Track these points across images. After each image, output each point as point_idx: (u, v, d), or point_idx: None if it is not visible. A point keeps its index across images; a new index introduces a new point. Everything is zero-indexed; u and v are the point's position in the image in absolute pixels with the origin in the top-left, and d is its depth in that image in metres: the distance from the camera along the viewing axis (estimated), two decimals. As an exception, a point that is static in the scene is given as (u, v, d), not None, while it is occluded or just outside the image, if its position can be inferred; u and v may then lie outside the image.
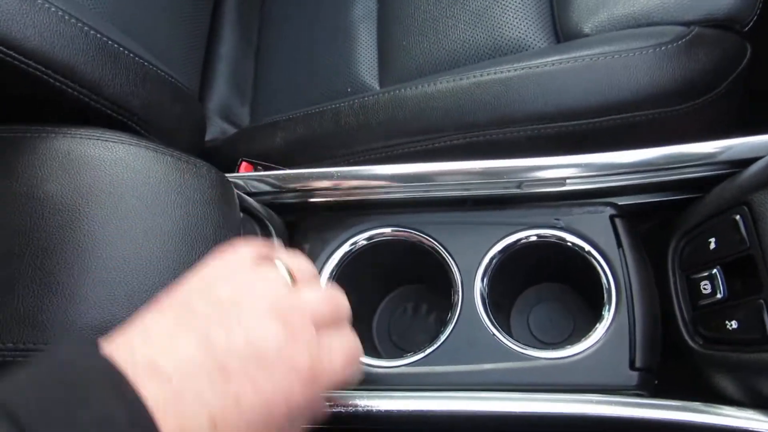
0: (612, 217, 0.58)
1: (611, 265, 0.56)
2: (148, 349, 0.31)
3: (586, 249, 0.58)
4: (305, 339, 0.35)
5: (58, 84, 0.51)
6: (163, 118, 0.59)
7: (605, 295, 0.56)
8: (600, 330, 0.54)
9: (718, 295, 0.51)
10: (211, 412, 0.30)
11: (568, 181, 0.58)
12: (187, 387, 0.30)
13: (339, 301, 0.41)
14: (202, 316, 0.34)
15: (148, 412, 0.28)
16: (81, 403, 0.27)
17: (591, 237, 0.57)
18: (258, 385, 0.32)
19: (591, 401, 0.49)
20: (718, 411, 0.47)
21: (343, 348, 0.38)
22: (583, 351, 0.54)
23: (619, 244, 0.57)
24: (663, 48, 0.59)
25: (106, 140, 0.51)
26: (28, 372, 0.29)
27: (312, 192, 0.63)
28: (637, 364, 0.53)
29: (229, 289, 0.36)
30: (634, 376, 0.53)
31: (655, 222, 0.67)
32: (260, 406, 0.32)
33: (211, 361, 0.32)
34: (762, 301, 0.47)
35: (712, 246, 0.52)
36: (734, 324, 0.49)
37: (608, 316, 0.55)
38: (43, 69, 0.50)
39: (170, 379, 0.30)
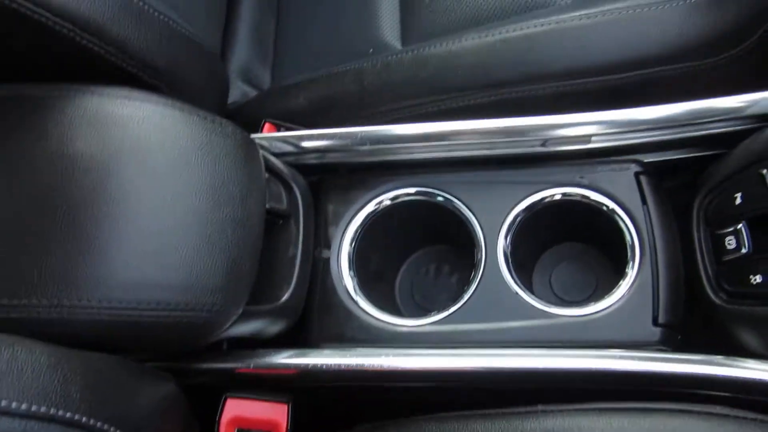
0: (637, 174, 0.58)
1: (635, 222, 0.56)
2: None
3: (611, 206, 0.58)
4: None
5: (84, 42, 0.51)
6: (188, 78, 0.59)
7: (629, 252, 0.56)
8: (623, 287, 0.55)
9: (744, 250, 0.51)
10: None
11: (593, 138, 0.57)
12: None
13: None
14: None
15: None
16: None
17: (615, 194, 0.57)
18: None
19: (614, 356, 0.50)
20: (742, 364, 0.48)
21: None
22: (606, 308, 0.54)
23: (644, 201, 0.57)
24: (693, 0, 0.58)
25: (134, 99, 0.51)
26: None
27: (335, 152, 0.63)
28: (660, 320, 0.53)
29: None
30: (657, 332, 0.53)
31: (681, 178, 0.66)
32: None
33: None
34: (788, 255, 0.47)
35: (738, 201, 0.52)
36: (759, 278, 0.49)
37: (632, 273, 0.55)
38: (70, 26, 0.50)
39: None
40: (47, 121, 0.49)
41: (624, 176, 0.58)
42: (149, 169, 0.48)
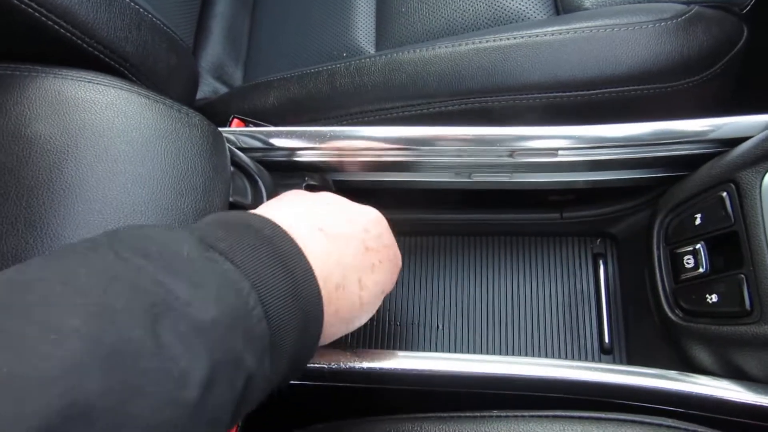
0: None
1: None
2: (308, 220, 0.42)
3: None
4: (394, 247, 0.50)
5: (50, 23, 0.50)
6: (156, 67, 0.58)
7: None
8: None
9: (701, 269, 0.52)
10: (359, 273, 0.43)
11: (560, 152, 0.58)
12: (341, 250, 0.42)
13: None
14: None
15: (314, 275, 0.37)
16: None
17: None
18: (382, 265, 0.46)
19: (570, 366, 0.50)
20: (694, 380, 0.48)
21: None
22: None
23: None
24: (662, 24, 0.59)
25: (98, 83, 0.50)
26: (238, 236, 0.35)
27: (303, 151, 0.62)
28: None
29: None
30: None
31: (644, 197, 0.68)
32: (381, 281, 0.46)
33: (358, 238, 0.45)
34: (743, 275, 0.48)
35: (698, 221, 0.53)
36: (714, 297, 0.50)
37: None
38: (36, 6, 0.49)
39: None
40: (6, 99, 0.47)
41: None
42: (110, 154, 0.47)
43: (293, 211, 0.43)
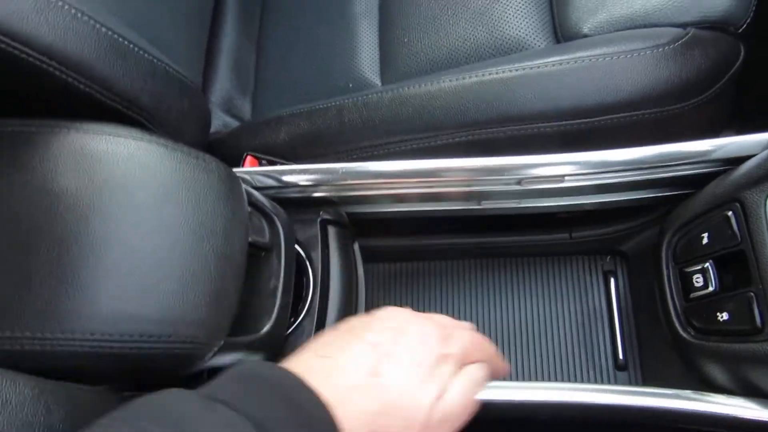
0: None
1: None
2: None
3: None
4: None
5: (70, 80, 0.52)
6: (170, 113, 0.60)
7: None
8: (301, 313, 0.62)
9: (710, 288, 0.53)
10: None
11: (566, 178, 0.59)
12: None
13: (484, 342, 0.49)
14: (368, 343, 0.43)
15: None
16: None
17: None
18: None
19: (585, 389, 0.51)
20: (709, 399, 0.49)
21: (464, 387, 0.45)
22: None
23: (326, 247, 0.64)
24: (660, 49, 0.61)
25: (118, 136, 0.52)
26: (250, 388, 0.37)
27: (316, 187, 0.64)
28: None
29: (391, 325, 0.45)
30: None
31: (651, 216, 0.69)
32: None
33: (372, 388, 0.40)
34: (752, 293, 0.49)
35: (705, 241, 0.54)
36: (725, 315, 0.51)
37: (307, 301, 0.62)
38: (57, 65, 0.50)
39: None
40: (32, 156, 0.49)
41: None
42: (133, 205, 0.49)
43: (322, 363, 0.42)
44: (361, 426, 0.39)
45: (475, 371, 0.46)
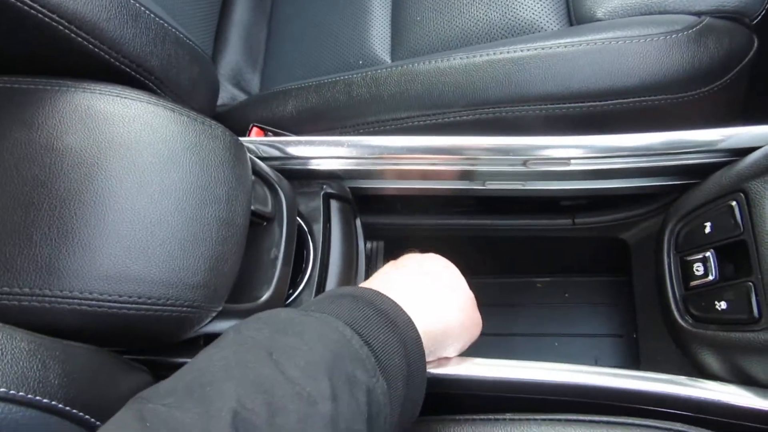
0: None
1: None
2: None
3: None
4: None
5: (79, 39, 0.51)
6: (179, 79, 0.60)
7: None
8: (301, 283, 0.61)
9: (710, 277, 0.53)
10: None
11: (572, 161, 0.59)
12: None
13: None
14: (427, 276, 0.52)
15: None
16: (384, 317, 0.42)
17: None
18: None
19: (584, 371, 0.51)
20: (703, 385, 0.49)
21: None
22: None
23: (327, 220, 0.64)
24: (673, 36, 0.60)
25: (125, 97, 0.52)
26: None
27: (321, 160, 0.64)
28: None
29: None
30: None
31: (654, 205, 0.69)
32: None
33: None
34: (751, 283, 0.49)
35: (707, 230, 0.54)
36: (723, 305, 0.51)
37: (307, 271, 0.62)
38: (66, 24, 0.50)
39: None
40: (38, 113, 0.49)
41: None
42: (137, 166, 0.49)
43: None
44: (429, 324, 0.47)
45: None
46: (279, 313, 0.42)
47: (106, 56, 0.53)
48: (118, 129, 0.50)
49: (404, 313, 0.44)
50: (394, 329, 0.42)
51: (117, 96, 0.51)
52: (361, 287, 0.47)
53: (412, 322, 0.44)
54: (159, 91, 0.58)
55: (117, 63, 0.54)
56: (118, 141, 0.49)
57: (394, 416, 0.40)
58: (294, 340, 0.38)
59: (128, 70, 0.55)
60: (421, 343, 0.44)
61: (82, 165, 0.48)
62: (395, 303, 0.44)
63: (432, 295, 0.50)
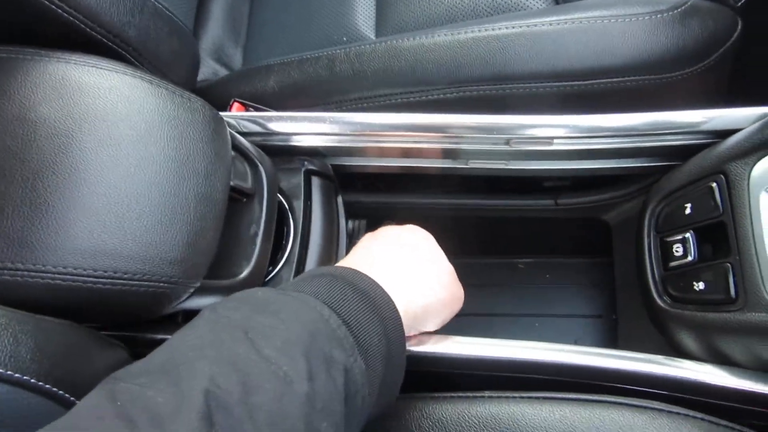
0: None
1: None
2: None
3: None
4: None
5: (54, 8, 0.50)
6: (158, 51, 0.59)
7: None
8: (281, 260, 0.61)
9: (689, 258, 0.54)
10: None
11: (555, 140, 0.59)
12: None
13: None
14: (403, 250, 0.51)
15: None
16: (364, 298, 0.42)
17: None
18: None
19: (562, 350, 0.51)
20: (679, 365, 0.50)
21: None
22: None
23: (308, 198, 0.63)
24: (659, 16, 0.60)
25: (101, 68, 0.50)
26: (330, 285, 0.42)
27: (302, 136, 0.63)
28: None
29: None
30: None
31: (636, 186, 0.69)
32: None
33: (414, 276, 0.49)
34: (729, 264, 0.49)
35: (688, 211, 0.55)
36: (701, 285, 0.52)
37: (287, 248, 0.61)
38: (41, -9, 0.49)
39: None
40: (11, 83, 0.48)
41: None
42: (113, 138, 0.48)
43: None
44: (409, 301, 0.47)
45: None
46: (256, 292, 0.42)
47: (82, 26, 0.52)
48: (94, 100, 0.48)
49: (384, 291, 0.43)
50: (373, 308, 0.41)
51: (93, 66, 0.50)
52: (340, 266, 0.46)
53: (392, 301, 0.43)
54: (137, 63, 0.57)
55: (93, 33, 0.53)
56: (93, 112, 0.48)
57: (372, 396, 0.40)
58: (270, 320, 0.37)
59: (105, 40, 0.54)
60: (401, 322, 0.43)
61: (55, 136, 0.47)
62: (374, 282, 0.44)
63: (411, 270, 0.49)
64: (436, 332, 0.52)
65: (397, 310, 0.43)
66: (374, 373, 0.40)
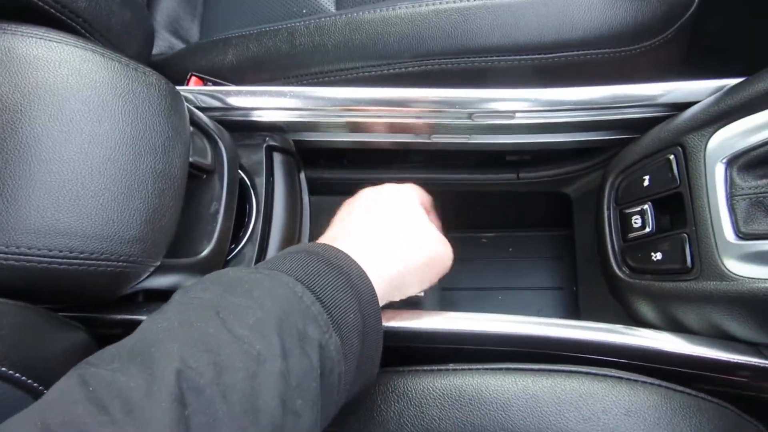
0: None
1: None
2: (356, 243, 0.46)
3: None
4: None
5: (-2, -24, 0.48)
6: (109, 23, 0.56)
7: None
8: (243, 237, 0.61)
9: (647, 229, 0.55)
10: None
11: (517, 114, 0.59)
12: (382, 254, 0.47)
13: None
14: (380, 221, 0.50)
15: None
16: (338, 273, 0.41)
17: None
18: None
19: (523, 321, 0.52)
20: (638, 333, 0.51)
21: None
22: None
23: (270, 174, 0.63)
24: (618, -12, 0.60)
25: (50, 40, 0.48)
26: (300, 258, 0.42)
27: (263, 111, 0.62)
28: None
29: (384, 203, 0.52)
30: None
31: (596, 159, 0.70)
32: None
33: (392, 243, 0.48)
34: (685, 234, 0.50)
35: (646, 183, 0.56)
36: (659, 255, 0.53)
37: (250, 226, 0.61)
38: (-17, -41, 0.47)
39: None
40: (-47, 56, 0.46)
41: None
42: (65, 114, 0.46)
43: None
44: (387, 270, 0.46)
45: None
46: (227, 272, 0.41)
47: (29, -5, 0.50)
48: (43, 74, 0.47)
49: (357, 266, 0.43)
50: (348, 283, 0.41)
51: (41, 38, 0.48)
52: (316, 243, 0.46)
53: (366, 276, 0.43)
54: (87, 35, 0.55)
55: (41, 3, 0.51)
56: (43, 86, 0.46)
57: (349, 373, 0.40)
58: (242, 299, 0.37)
59: (53, 11, 0.52)
60: (376, 296, 0.43)
61: (4, 112, 0.45)
62: (348, 256, 0.43)
63: (386, 236, 0.49)
64: (400, 307, 0.52)
65: (371, 284, 0.43)
66: (350, 349, 0.39)
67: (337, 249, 0.44)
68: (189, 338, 0.33)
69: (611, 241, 0.59)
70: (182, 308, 0.37)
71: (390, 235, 0.49)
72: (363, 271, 0.43)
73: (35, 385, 0.39)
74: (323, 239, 0.49)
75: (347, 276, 0.41)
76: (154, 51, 0.81)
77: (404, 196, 0.54)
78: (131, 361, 0.32)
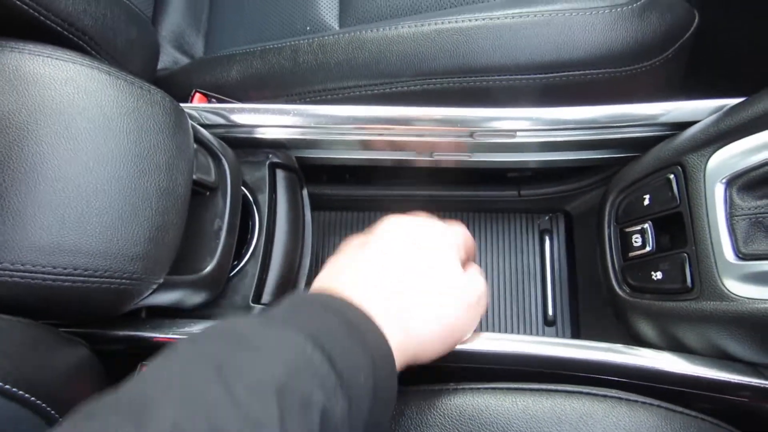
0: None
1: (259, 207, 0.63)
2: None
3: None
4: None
5: (6, -5, 0.48)
6: (116, 41, 0.57)
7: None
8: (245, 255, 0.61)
9: (648, 248, 0.55)
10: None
11: (518, 133, 0.59)
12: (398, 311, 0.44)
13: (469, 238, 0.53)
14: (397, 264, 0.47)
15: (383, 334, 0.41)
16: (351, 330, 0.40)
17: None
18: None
19: (525, 341, 0.52)
20: (638, 353, 0.51)
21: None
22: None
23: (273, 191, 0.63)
24: (618, 9, 0.61)
25: (57, 58, 0.49)
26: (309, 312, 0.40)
27: (266, 128, 0.63)
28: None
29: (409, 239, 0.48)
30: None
31: (597, 177, 0.70)
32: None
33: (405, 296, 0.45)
34: (686, 254, 0.51)
35: (646, 202, 0.56)
36: (659, 275, 0.53)
37: (252, 243, 0.61)
38: (-8, -21, 0.47)
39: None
40: (-39, 73, 0.46)
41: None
42: (71, 132, 0.47)
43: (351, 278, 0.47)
44: (407, 336, 0.44)
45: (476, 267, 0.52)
46: (239, 323, 0.40)
47: (36, 14, 0.50)
48: (50, 92, 0.47)
49: (375, 326, 0.41)
50: (362, 345, 0.39)
51: (48, 57, 0.49)
52: (334, 293, 0.43)
53: (384, 338, 0.41)
54: (94, 53, 0.55)
55: (48, 21, 0.51)
56: (49, 105, 0.47)
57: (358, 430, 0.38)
58: (248, 355, 0.36)
59: (60, 29, 0.52)
60: (393, 359, 0.41)
61: (10, 129, 0.45)
62: (366, 316, 0.41)
63: (417, 292, 0.45)
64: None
65: (389, 347, 0.41)
66: (359, 413, 0.38)
67: (354, 306, 0.42)
68: (186, 399, 0.32)
69: (612, 260, 0.59)
70: (186, 360, 0.36)
71: (419, 290, 0.46)
72: (381, 332, 0.41)
73: (39, 402, 0.39)
74: (342, 280, 0.46)
75: (363, 336, 0.40)
76: (160, 65, 0.82)
77: (445, 231, 0.50)
78: (128, 419, 0.31)
